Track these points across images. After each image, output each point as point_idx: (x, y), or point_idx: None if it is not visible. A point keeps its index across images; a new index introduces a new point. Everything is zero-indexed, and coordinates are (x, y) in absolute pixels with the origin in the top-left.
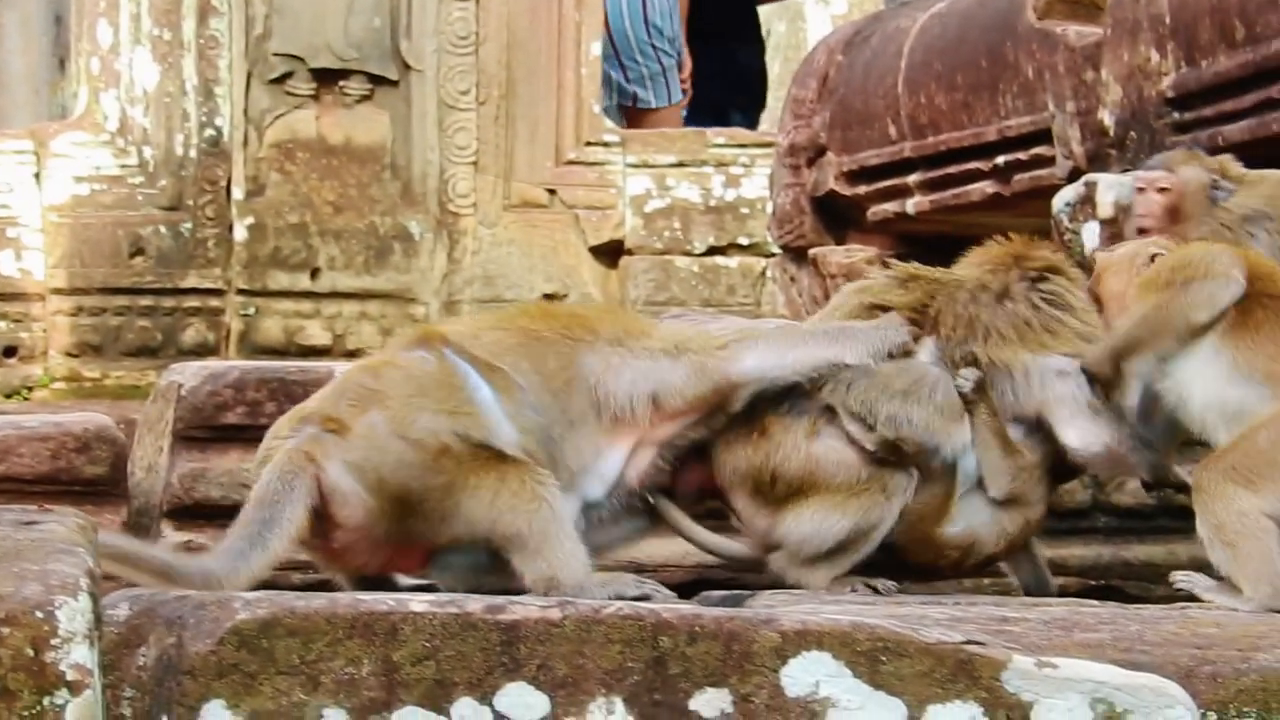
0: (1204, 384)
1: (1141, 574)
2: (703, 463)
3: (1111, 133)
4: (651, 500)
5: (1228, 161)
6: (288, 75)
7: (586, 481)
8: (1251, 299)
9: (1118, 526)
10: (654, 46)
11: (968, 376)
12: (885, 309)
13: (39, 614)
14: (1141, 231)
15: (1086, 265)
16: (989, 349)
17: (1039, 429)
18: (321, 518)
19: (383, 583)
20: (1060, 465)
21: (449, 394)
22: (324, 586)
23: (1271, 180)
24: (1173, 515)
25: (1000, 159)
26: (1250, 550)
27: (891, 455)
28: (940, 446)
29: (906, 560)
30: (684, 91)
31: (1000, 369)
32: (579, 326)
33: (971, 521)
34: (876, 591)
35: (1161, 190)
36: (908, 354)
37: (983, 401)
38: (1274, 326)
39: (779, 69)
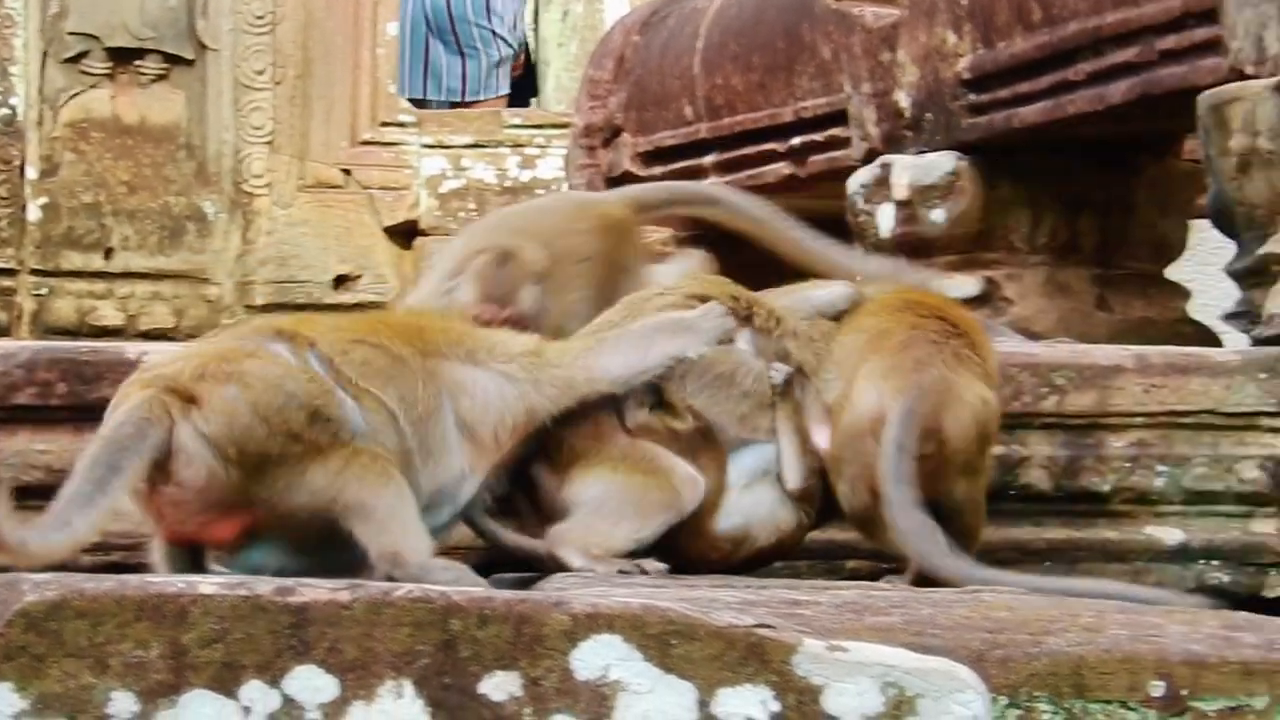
0: None
1: None
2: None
3: (908, 114)
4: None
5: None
6: (83, 54)
7: (442, 508)
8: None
9: None
10: (494, 33)
11: (780, 370)
12: (703, 298)
13: None
14: None
15: (882, 247)
16: (799, 350)
17: None
18: (158, 470)
19: (195, 556)
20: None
21: (315, 389)
22: (114, 569)
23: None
24: None
25: (796, 140)
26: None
27: (694, 433)
28: (738, 435)
29: (679, 553)
30: (512, 82)
31: (806, 374)
32: (431, 343)
33: (749, 516)
34: (644, 572)
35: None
36: (729, 341)
37: (789, 398)
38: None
39: (576, 49)
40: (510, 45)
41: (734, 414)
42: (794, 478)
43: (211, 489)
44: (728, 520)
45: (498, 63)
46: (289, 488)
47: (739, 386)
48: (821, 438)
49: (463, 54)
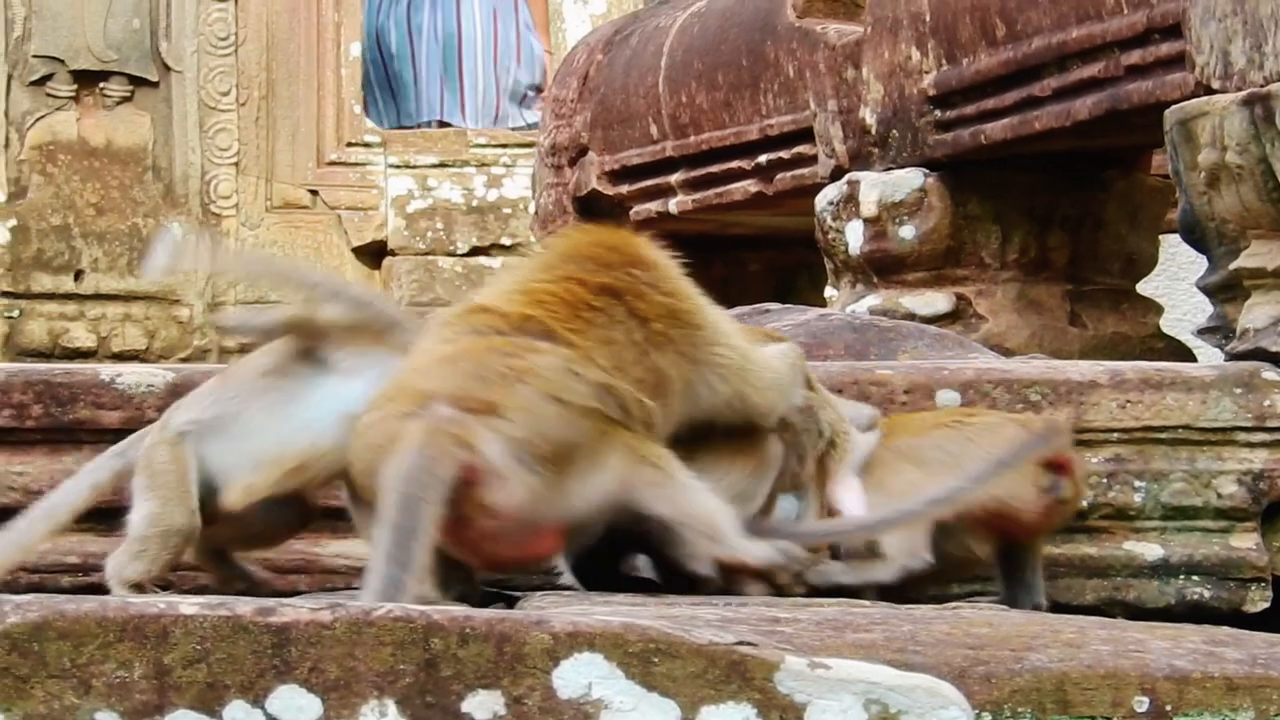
0: None
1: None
2: None
3: (874, 131)
4: None
5: None
6: (48, 77)
7: None
8: None
9: None
10: (495, 62)
11: (866, 413)
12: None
13: None
14: None
15: (852, 265)
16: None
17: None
18: (457, 505)
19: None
20: None
21: (600, 374)
22: (95, 590)
23: None
24: None
25: (762, 158)
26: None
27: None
28: (798, 480)
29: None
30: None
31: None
32: (676, 341)
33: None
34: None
35: None
36: None
37: (825, 457)
38: None
39: None
40: (514, 74)
41: (809, 456)
42: None
43: (532, 503)
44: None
45: (511, 93)
46: (590, 471)
47: (822, 433)
48: (851, 502)
49: (461, 83)
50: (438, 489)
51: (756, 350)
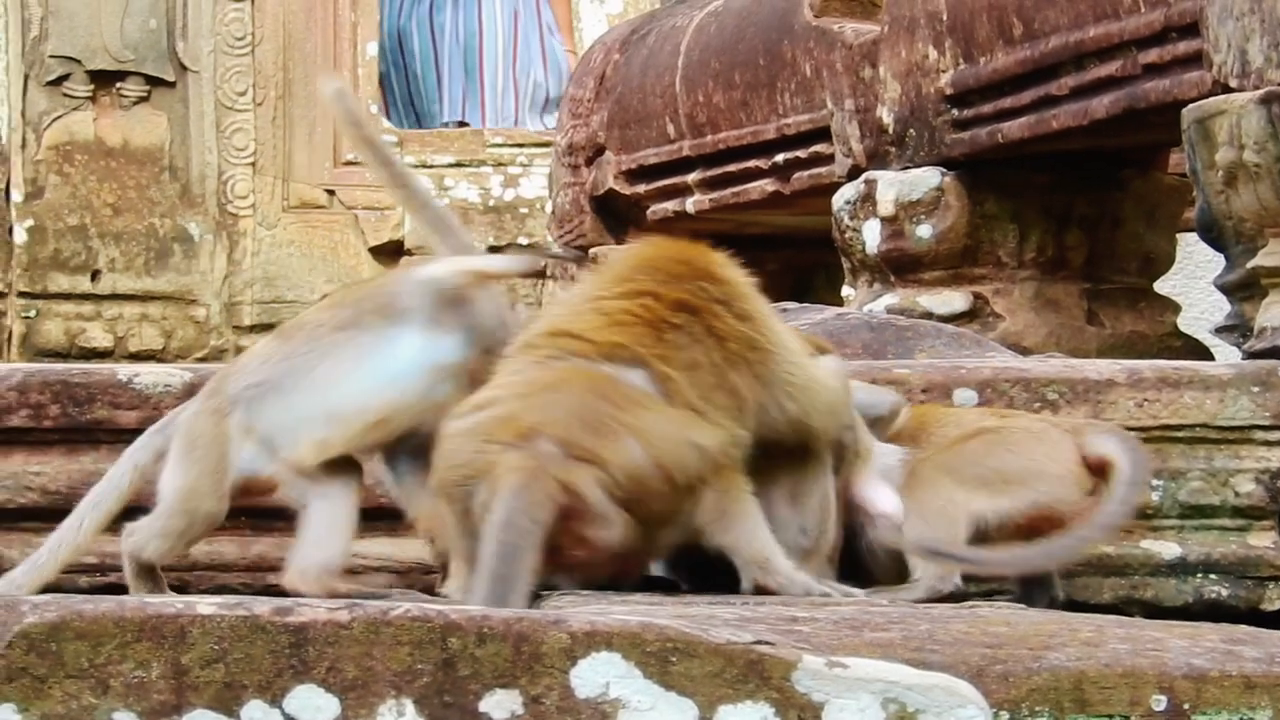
0: None
1: None
2: None
3: (891, 130)
4: None
5: None
6: (65, 77)
7: None
8: None
9: None
10: (513, 65)
11: (887, 400)
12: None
13: None
14: None
15: (869, 264)
16: None
17: None
18: (553, 535)
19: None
20: None
21: (713, 436)
22: (112, 590)
23: None
24: None
25: (779, 157)
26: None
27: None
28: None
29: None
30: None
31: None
32: (749, 360)
33: None
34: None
35: None
36: None
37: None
38: None
39: None
40: (534, 77)
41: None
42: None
43: (628, 544)
44: None
45: (532, 99)
46: (685, 524)
47: (858, 451)
48: (886, 501)
49: (482, 84)
50: (537, 534)
51: (816, 368)
